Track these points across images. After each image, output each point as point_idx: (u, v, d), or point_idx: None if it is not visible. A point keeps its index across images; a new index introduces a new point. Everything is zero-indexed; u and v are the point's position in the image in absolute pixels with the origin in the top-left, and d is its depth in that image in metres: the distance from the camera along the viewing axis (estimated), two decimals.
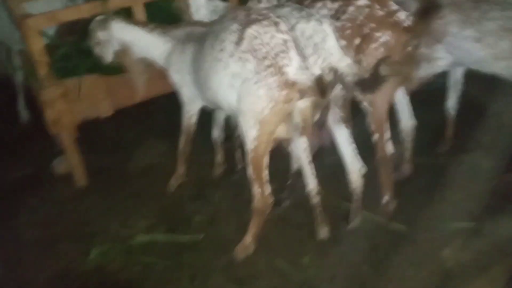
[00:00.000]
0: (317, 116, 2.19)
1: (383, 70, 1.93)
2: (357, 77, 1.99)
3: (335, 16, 2.30)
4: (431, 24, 2.36)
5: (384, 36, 2.14)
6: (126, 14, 2.92)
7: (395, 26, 2.17)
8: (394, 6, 2.23)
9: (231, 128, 3.00)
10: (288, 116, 2.08)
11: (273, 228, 2.57)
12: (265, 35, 1.97)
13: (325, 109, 2.23)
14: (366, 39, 2.18)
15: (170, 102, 3.29)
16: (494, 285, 2.18)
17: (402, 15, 2.21)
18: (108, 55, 2.70)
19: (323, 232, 2.49)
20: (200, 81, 2.35)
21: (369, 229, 2.55)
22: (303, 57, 2.00)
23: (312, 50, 2.04)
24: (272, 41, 1.96)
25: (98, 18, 2.67)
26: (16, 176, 3.25)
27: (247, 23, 2.02)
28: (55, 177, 3.17)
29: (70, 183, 3.08)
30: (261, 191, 2.22)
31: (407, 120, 2.75)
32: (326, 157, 2.70)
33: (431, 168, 2.95)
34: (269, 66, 1.95)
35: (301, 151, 2.34)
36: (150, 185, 3.06)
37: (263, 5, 2.46)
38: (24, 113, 3.90)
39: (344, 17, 2.24)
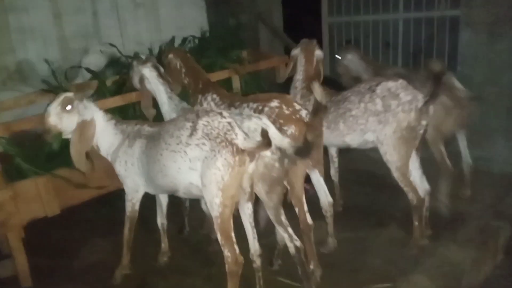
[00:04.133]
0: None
1: (309, 137, 2.43)
2: (295, 148, 2.46)
3: (255, 112, 2.85)
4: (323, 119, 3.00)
5: (290, 129, 2.68)
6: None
7: (298, 121, 2.72)
8: (297, 106, 2.78)
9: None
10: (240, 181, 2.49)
11: None
12: (213, 122, 2.48)
13: None
14: (279, 131, 2.68)
15: (116, 198, 3.58)
16: None
17: (303, 113, 2.77)
18: (67, 130, 2.86)
19: None
20: (153, 171, 2.73)
21: None
22: (245, 133, 2.50)
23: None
24: (220, 125, 2.47)
25: (68, 94, 2.87)
26: None
27: (197, 118, 2.54)
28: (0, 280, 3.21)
29: (15, 285, 3.12)
30: (232, 253, 2.49)
31: (324, 198, 3.18)
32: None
33: (353, 241, 3.35)
34: (221, 141, 2.41)
35: (246, 216, 2.66)
36: (95, 282, 3.17)
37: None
38: None
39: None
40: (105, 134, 2.94)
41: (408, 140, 3.01)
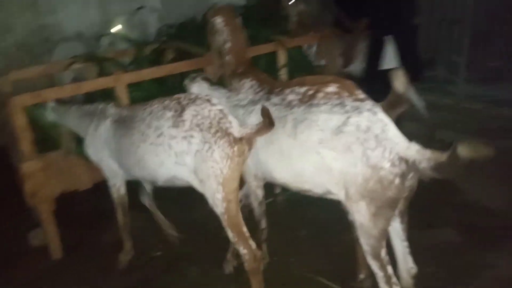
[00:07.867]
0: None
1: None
2: (433, 162, 1.84)
3: (303, 99, 2.33)
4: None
5: None
6: None
7: None
8: (361, 95, 2.15)
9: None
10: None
11: None
12: (203, 111, 2.24)
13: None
14: None
15: None
16: None
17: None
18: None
19: None
20: (128, 163, 2.54)
21: None
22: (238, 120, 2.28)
23: (374, 143, 1.93)
24: (211, 114, 2.22)
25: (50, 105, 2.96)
26: None
27: (183, 107, 2.28)
28: (31, 248, 3.17)
29: (45, 255, 3.09)
30: (248, 250, 2.28)
31: None
32: None
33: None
34: (216, 132, 2.17)
35: None
36: None
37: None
38: None
39: (314, 102, 2.21)
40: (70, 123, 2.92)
41: None
